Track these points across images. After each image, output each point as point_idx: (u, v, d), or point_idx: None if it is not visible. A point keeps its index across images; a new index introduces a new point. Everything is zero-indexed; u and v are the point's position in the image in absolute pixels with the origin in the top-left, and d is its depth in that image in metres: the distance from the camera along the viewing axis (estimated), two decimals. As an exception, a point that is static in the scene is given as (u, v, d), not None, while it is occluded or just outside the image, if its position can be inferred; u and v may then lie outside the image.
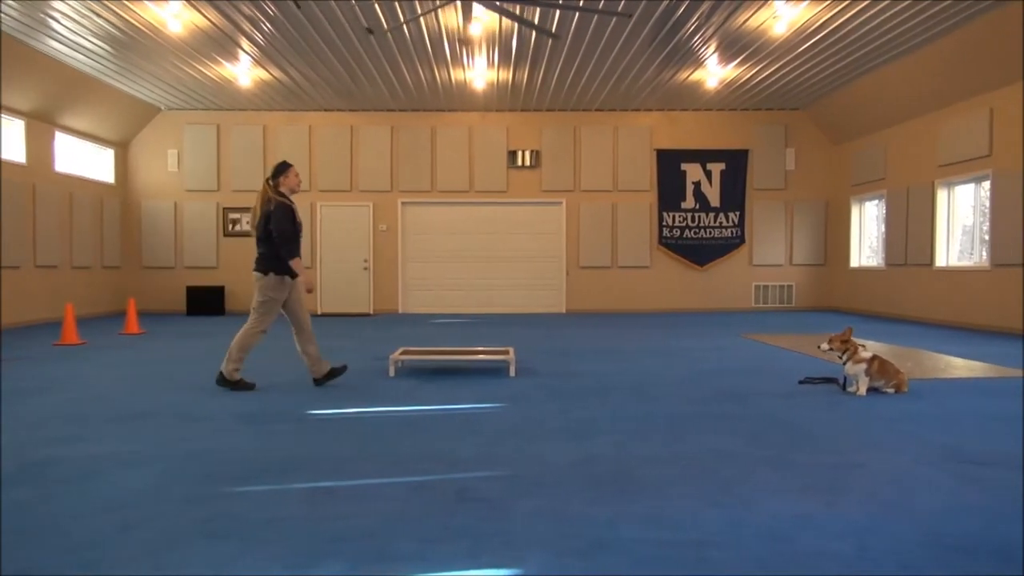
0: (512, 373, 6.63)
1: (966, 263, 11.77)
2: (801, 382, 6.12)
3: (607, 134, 15.14)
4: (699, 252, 15.24)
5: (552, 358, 7.95)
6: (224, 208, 15.03)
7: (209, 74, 12.32)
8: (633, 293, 15.24)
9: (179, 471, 3.63)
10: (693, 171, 15.23)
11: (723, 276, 15.34)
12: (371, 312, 14.99)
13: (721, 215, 15.26)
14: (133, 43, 10.66)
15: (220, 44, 10.77)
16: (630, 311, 15.12)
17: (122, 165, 14.93)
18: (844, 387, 5.78)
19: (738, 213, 15.29)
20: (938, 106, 11.92)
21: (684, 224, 15.22)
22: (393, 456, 3.89)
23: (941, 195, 12.06)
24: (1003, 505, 3.09)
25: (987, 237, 11.04)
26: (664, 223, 15.21)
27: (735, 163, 15.26)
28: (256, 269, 5.86)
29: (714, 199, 15.25)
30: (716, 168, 15.20)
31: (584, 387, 6.07)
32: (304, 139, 14.99)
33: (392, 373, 6.61)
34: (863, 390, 5.58)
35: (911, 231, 12.70)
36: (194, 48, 10.93)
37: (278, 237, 5.74)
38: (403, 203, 15.12)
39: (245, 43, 10.74)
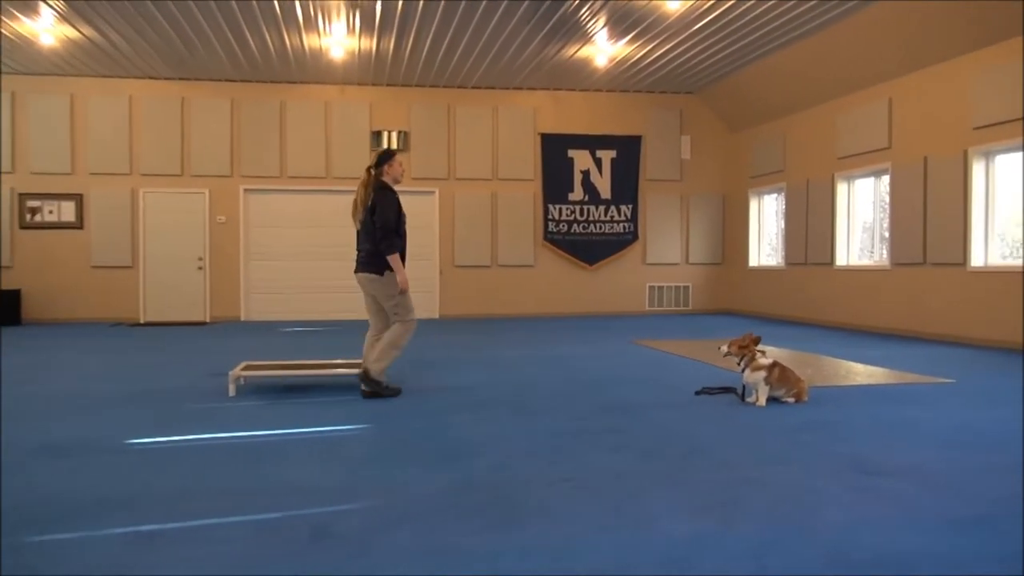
0: (376, 389, 6.58)
1: (866, 262, 12.65)
2: (698, 393, 6.39)
3: (486, 115, 15.27)
4: (588, 249, 15.62)
5: (422, 370, 7.95)
6: (20, 194, 14.10)
7: (2, 30, 11.53)
8: (515, 295, 15.43)
9: (-41, 517, 3.36)
10: (582, 159, 15.60)
11: (614, 276, 15.79)
12: (207, 320, 14.48)
13: (612, 208, 15.71)
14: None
15: (14, -7, 10.10)
16: (512, 316, 15.31)
17: None
18: (743, 397, 6.07)
19: (631, 206, 15.78)
20: (836, 94, 12.76)
21: (572, 218, 15.56)
22: (234, 490, 3.78)
23: (841, 189, 12.91)
24: (904, 518, 3.33)
25: (887, 235, 11.90)
26: (550, 216, 15.50)
27: (627, 151, 15.74)
28: (365, 270, 6.19)
29: (605, 190, 15.67)
30: (607, 156, 15.63)
31: (458, 402, 6.10)
32: (123, 112, 14.29)
33: (232, 392, 6.44)
34: (763, 400, 5.89)
35: (811, 228, 13.52)
36: (-20, -3, 10.20)
37: (380, 228, 6.09)
38: (246, 190, 14.69)
39: (46, -7, 10.13)
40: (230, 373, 6.53)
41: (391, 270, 6.17)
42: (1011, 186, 10.10)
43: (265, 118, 14.66)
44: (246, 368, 6.75)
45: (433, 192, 15.22)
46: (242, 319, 14.65)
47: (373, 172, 6.30)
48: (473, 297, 15.37)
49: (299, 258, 14.91)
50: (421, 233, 15.24)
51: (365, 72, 14.10)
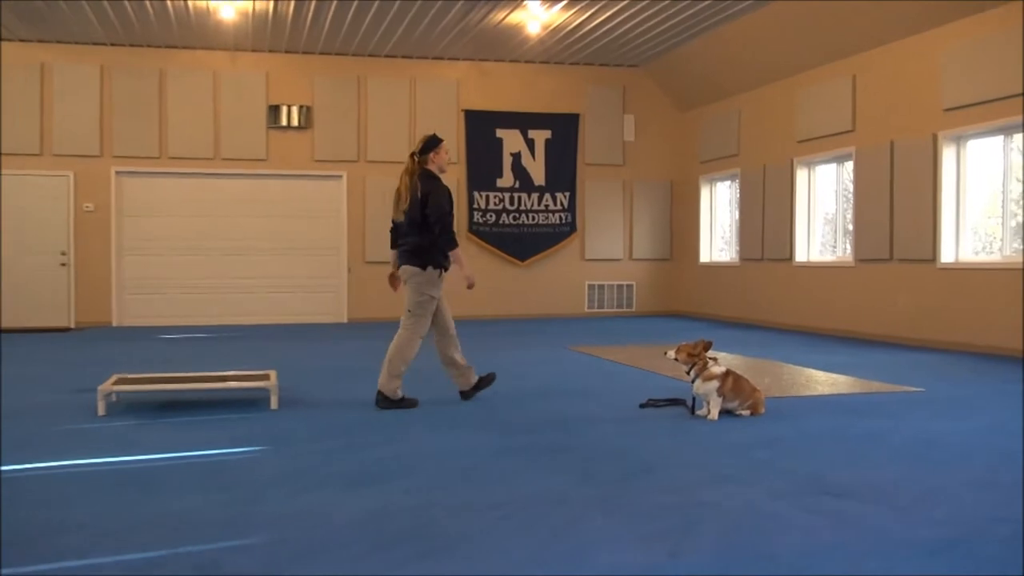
0: (274, 405, 6.56)
1: (828, 258, 13.01)
2: (642, 405, 6.48)
3: (402, 88, 15.23)
4: (520, 243, 15.71)
5: (329, 382, 7.91)
6: None
7: None
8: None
9: None
10: (512, 140, 15.67)
11: (549, 274, 15.91)
12: (71, 326, 14.11)
13: (547, 196, 15.81)
14: None
15: None
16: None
17: None
18: (693, 410, 6.19)
19: (568, 194, 15.91)
20: (796, 70, 13.09)
21: (501, 207, 15.62)
22: (106, 526, 3.71)
23: (800, 176, 13.25)
24: (869, 542, 3.44)
25: (851, 227, 12.26)
26: (475, 206, 15.54)
27: (564, 131, 15.87)
28: (408, 263, 6.51)
29: (538, 176, 15.78)
30: (540, 137, 15.74)
31: (372, 418, 6.10)
32: (-32, 79, 13.81)
33: (103, 411, 6.31)
34: (715, 413, 6.01)
35: (768, 219, 13.84)
36: None
37: (437, 222, 6.39)
38: (119, 173, 14.36)
39: None
40: (99, 388, 6.42)
41: (434, 266, 6.52)
42: (984, 175, 10.51)
43: (141, 89, 14.34)
44: (118, 382, 6.63)
45: (340, 176, 15.10)
46: (114, 324, 14.32)
47: (417, 159, 6.54)
48: (387, 298, 15.19)
49: (183, 252, 14.62)
50: (326, 224, 15.12)
51: (261, 37, 13.91)
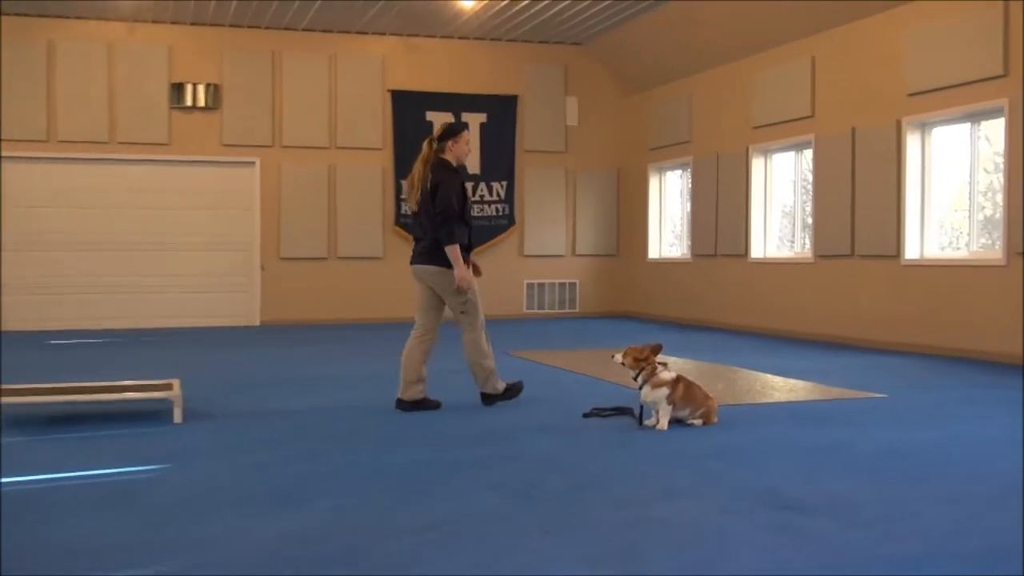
0: (178, 418, 6.49)
1: (786, 254, 13.25)
2: (586, 415, 6.55)
3: (321, 65, 15.14)
4: (452, 238, 15.68)
5: (238, 393, 7.86)
6: None
7: None
8: (359, 296, 15.36)
9: None
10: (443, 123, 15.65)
11: (485, 272, 15.81)
12: (-54, 330, 13.78)
13: (483, 186, 15.86)
14: None
15: None
16: (356, 321, 15.24)
17: None
18: (641, 420, 6.25)
19: (505, 184, 15.98)
20: (751, 50, 13.28)
21: (431, 198, 15.59)
22: (-11, 554, 3.64)
23: (756, 165, 13.48)
24: (829, 560, 3.53)
25: (810, 221, 12.51)
26: (403, 196, 15.47)
27: (501, 114, 15.93)
28: (430, 262, 6.71)
29: (472, 163, 15.77)
30: (475, 120, 15.76)
31: (287, 432, 6.07)
32: None
33: (-17, 425, 6.17)
34: (664, 423, 6.08)
35: (722, 211, 14.04)
36: None
37: (440, 213, 6.57)
38: (3, 158, 14.07)
39: None
40: (-19, 401, 6.26)
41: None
42: (951, 165, 10.78)
43: (26, 63, 14.06)
44: (2, 393, 6.48)
45: (253, 163, 14.97)
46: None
47: (435, 146, 6.78)
48: (305, 298, 15.18)
49: (75, 248, 14.39)
50: (236, 217, 14.97)
51: (162, 7, 13.73)
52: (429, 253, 6.75)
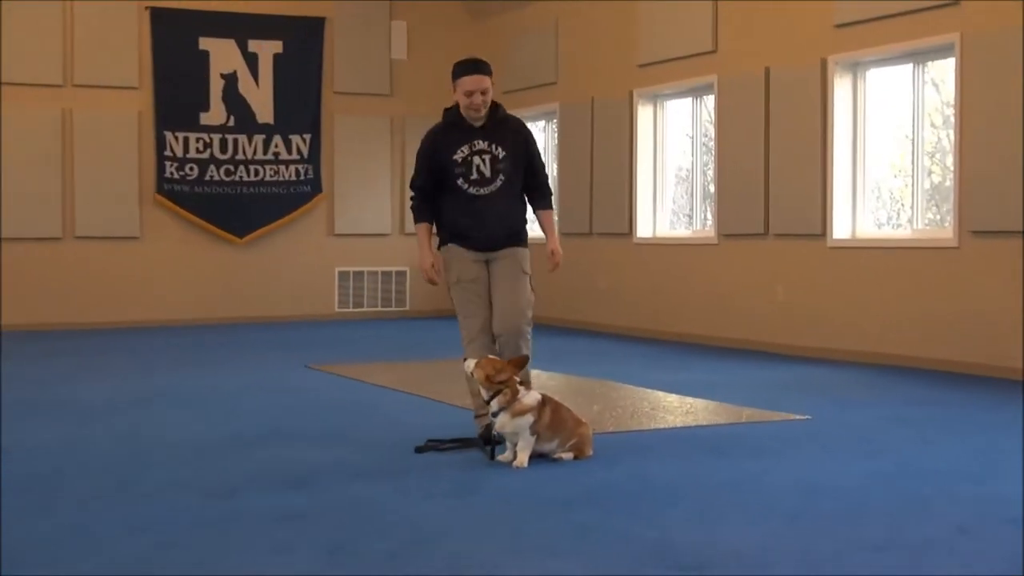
0: None
1: (683, 233, 13.49)
2: (420, 449, 6.51)
3: (51, -29, 14.76)
4: (237, 211, 15.58)
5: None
6: None
7: None
8: (108, 290, 15.07)
9: None
10: (223, 54, 15.54)
11: (281, 256, 15.78)
12: None
13: (278, 141, 15.71)
14: None
15: None
16: (105, 326, 14.94)
17: None
18: (493, 454, 6.26)
19: (308, 138, 15.85)
20: (638, -37, 13.47)
21: (207, 156, 15.43)
22: None
23: (643, 115, 13.65)
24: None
25: (712, 189, 12.76)
26: (168, 153, 15.28)
27: (301, 43, 15.82)
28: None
29: (264, 110, 15.63)
30: (267, 51, 15.61)
31: (21, 476, 5.88)
32: None
33: None
34: (524, 458, 6.06)
35: (599, 175, 14.17)
36: None
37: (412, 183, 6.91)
38: None
39: None
40: None
41: (441, 241, 6.79)
42: (889, 117, 11.10)
43: None
44: None
45: (-45, 106, 14.51)
46: None
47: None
48: (34, 293, 14.74)
49: None
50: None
51: None
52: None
